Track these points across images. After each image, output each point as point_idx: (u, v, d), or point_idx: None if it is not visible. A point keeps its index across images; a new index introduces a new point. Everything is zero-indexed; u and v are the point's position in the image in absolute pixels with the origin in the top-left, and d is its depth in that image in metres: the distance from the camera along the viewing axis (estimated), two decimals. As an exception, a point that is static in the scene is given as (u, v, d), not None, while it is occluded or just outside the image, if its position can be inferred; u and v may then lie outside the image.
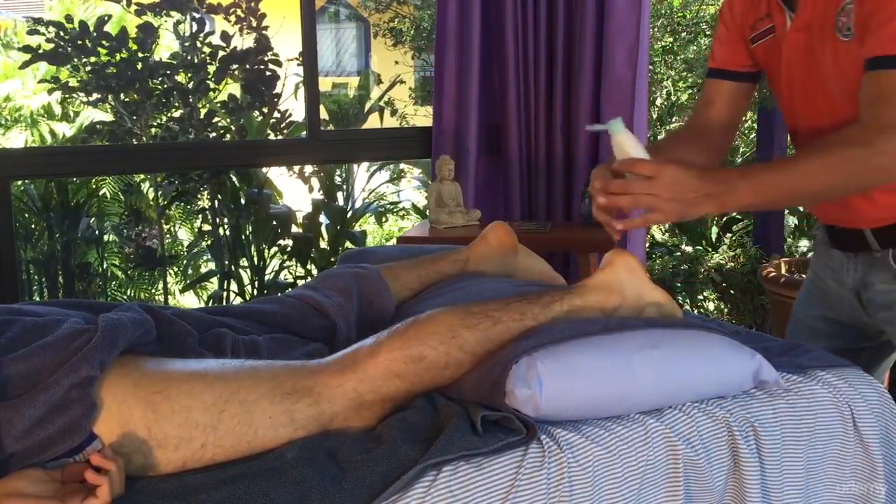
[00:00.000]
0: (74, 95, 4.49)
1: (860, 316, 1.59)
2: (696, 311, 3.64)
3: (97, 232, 5.10)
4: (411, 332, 1.19)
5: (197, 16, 4.12)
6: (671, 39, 4.14)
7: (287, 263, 4.55)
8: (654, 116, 4.01)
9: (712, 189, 1.21)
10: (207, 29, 4.22)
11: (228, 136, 4.31)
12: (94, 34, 4.04)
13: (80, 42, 4.03)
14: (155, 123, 4.27)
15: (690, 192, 1.20)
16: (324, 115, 4.98)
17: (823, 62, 1.36)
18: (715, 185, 1.22)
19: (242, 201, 4.33)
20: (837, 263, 1.58)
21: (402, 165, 6.22)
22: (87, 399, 1.00)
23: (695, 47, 4.09)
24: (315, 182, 4.57)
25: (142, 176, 5.08)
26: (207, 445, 1.05)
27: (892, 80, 1.22)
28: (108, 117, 4.54)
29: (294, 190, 4.79)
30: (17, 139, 6.17)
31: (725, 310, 3.76)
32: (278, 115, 4.52)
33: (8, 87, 6.26)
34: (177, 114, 4.24)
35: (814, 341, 1.63)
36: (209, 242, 4.61)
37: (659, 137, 3.88)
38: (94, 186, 5.08)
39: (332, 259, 4.26)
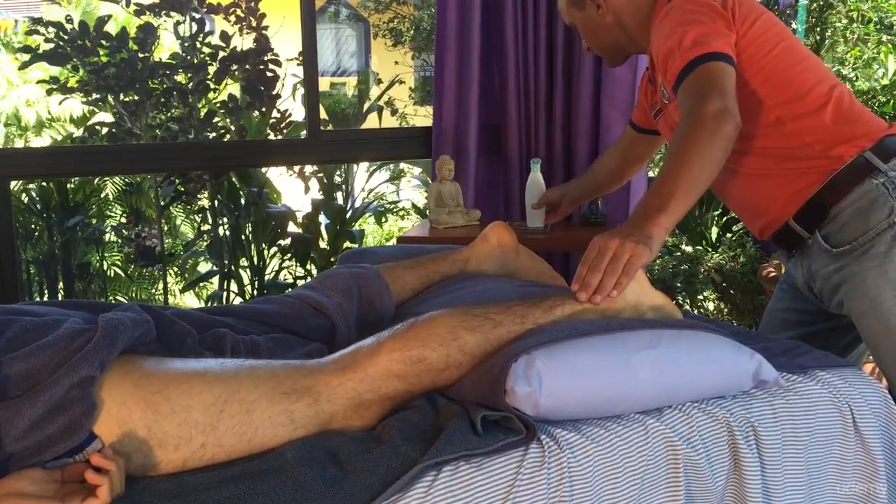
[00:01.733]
0: (74, 96, 4.49)
1: (822, 306, 1.67)
2: (696, 312, 3.64)
3: (97, 232, 5.10)
4: (412, 333, 1.19)
5: (197, 16, 4.12)
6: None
7: (287, 263, 4.55)
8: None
9: (637, 216, 1.33)
10: (207, 29, 4.22)
11: (228, 136, 4.31)
12: (94, 34, 4.04)
13: (79, 42, 4.03)
14: (155, 123, 4.27)
15: (629, 229, 1.31)
16: (323, 114, 4.97)
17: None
18: (635, 215, 1.34)
19: (242, 201, 4.33)
20: (791, 267, 1.70)
21: (402, 165, 6.22)
22: (87, 399, 1.00)
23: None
24: (313, 182, 4.56)
25: (142, 176, 5.08)
26: (207, 445, 1.05)
27: (685, 87, 1.46)
28: (108, 117, 4.55)
29: (294, 190, 4.79)
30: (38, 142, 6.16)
31: (725, 310, 3.76)
32: (278, 115, 4.52)
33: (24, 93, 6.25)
34: (177, 114, 4.24)
35: (785, 331, 1.76)
36: (207, 242, 4.61)
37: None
38: (95, 185, 5.08)
39: (332, 259, 4.26)
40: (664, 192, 1.35)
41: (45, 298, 4.69)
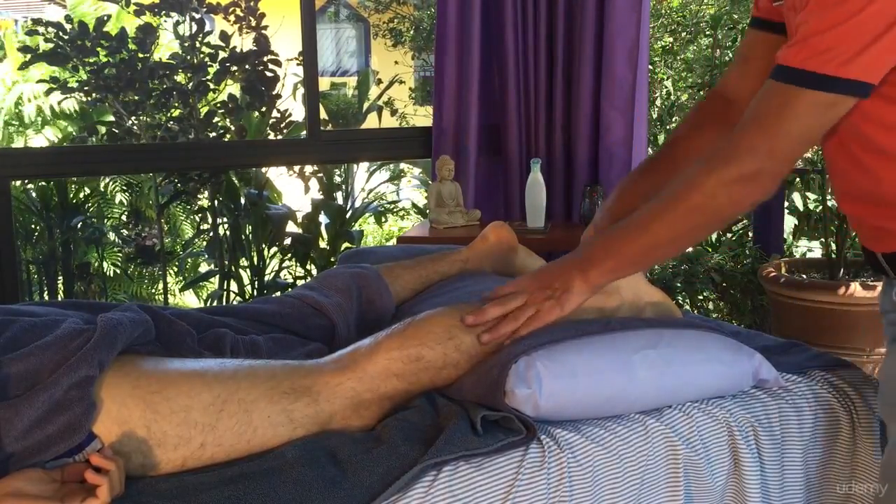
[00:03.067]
0: (73, 96, 4.50)
1: None
2: (696, 311, 3.64)
3: (97, 232, 5.10)
4: (409, 332, 1.19)
5: (196, 16, 4.12)
6: (671, 39, 4.14)
7: (287, 263, 4.55)
8: (654, 116, 4.01)
9: (572, 263, 1.19)
10: (207, 28, 4.21)
11: (228, 136, 4.31)
12: (94, 34, 4.03)
13: (79, 42, 4.03)
14: (155, 123, 4.27)
15: (554, 277, 1.19)
16: (322, 114, 4.97)
17: None
18: (573, 258, 1.19)
19: (242, 201, 4.33)
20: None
21: (402, 165, 6.22)
22: (87, 399, 1.00)
23: (694, 47, 4.09)
24: (313, 182, 4.56)
25: (142, 176, 5.08)
26: (206, 445, 1.05)
27: (775, 95, 1.05)
28: (108, 117, 4.54)
29: (294, 189, 4.79)
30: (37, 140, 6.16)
31: (725, 310, 3.76)
32: (277, 115, 4.52)
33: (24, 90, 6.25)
34: (177, 114, 4.24)
35: None
36: (206, 241, 4.61)
37: (661, 138, 3.89)
38: (95, 185, 5.08)
39: (332, 259, 4.26)
40: (615, 248, 1.18)
41: (45, 298, 4.70)
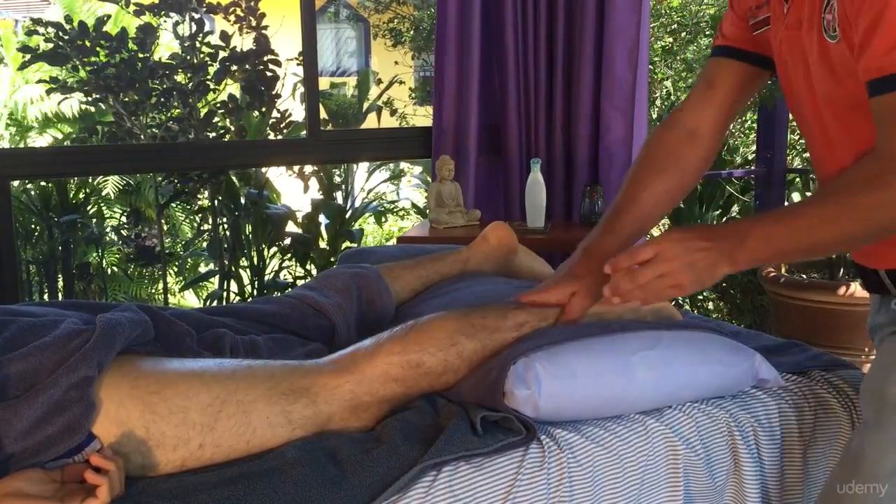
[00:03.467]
0: (73, 96, 4.50)
1: None
2: (696, 312, 3.64)
3: (97, 232, 5.10)
4: (410, 337, 1.19)
5: (196, 16, 4.12)
6: (671, 39, 4.14)
7: (287, 263, 4.55)
8: (654, 116, 4.01)
9: (722, 245, 1.08)
10: (207, 28, 4.21)
11: (228, 136, 4.31)
12: (94, 34, 4.03)
13: (79, 42, 4.02)
14: (155, 123, 4.27)
15: (700, 256, 1.07)
16: (322, 114, 4.97)
17: (813, 67, 1.14)
18: (723, 240, 1.09)
19: (242, 201, 4.33)
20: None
21: (402, 165, 6.22)
22: (86, 399, 1.00)
23: (694, 47, 4.09)
24: (313, 182, 4.56)
25: (141, 176, 5.08)
26: (205, 445, 1.05)
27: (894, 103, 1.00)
28: (109, 118, 4.54)
29: (293, 189, 4.79)
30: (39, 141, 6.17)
31: (725, 310, 3.76)
32: (277, 115, 4.52)
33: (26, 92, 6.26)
34: (176, 114, 4.24)
35: None
36: (206, 241, 4.61)
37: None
38: (95, 185, 5.08)
39: (332, 259, 4.26)
40: (774, 241, 1.07)
41: (45, 298, 4.70)
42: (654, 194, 1.33)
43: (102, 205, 5.23)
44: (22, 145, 6.06)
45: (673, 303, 1.52)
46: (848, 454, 1.11)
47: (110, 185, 5.25)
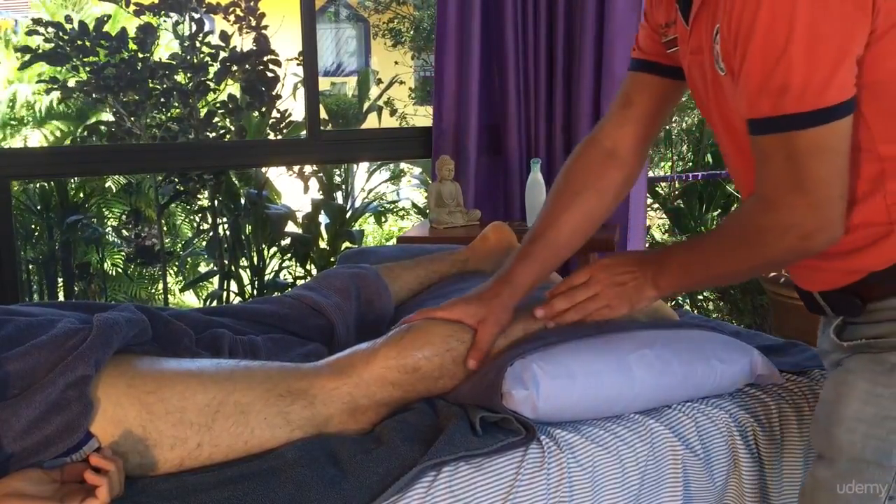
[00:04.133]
0: (73, 96, 4.50)
1: None
2: (696, 311, 3.64)
3: (97, 232, 5.10)
4: (407, 341, 1.19)
5: (196, 16, 4.12)
6: (671, 39, 4.13)
7: (286, 263, 4.55)
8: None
9: (646, 271, 1.16)
10: (207, 28, 4.22)
11: (228, 136, 4.31)
12: (94, 35, 4.04)
13: (79, 42, 4.03)
14: (155, 123, 4.27)
15: (628, 278, 1.18)
16: (322, 114, 4.98)
17: (710, 94, 1.10)
18: (648, 267, 1.17)
19: (242, 201, 4.33)
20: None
21: (402, 165, 6.22)
22: (84, 398, 1.00)
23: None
24: (313, 182, 4.57)
25: (142, 176, 5.09)
26: (203, 445, 1.05)
27: (765, 147, 0.98)
28: (108, 117, 4.55)
29: (293, 189, 4.79)
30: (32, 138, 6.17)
31: (725, 310, 3.76)
32: (277, 115, 4.52)
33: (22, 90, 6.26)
34: (176, 114, 4.24)
35: None
36: (206, 241, 4.61)
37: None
38: (95, 185, 5.08)
39: (332, 259, 4.26)
40: (690, 269, 1.14)
41: (45, 298, 4.70)
42: (572, 218, 1.29)
43: (102, 205, 5.23)
44: (17, 144, 6.06)
45: (673, 303, 1.52)
46: (804, 493, 1.09)
47: (111, 180, 5.25)
